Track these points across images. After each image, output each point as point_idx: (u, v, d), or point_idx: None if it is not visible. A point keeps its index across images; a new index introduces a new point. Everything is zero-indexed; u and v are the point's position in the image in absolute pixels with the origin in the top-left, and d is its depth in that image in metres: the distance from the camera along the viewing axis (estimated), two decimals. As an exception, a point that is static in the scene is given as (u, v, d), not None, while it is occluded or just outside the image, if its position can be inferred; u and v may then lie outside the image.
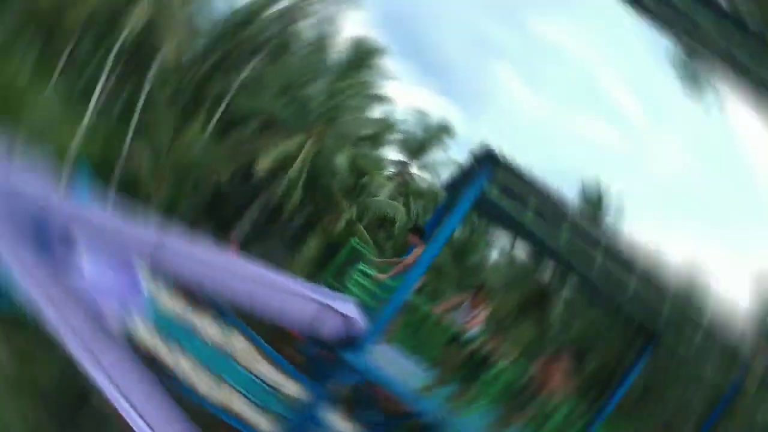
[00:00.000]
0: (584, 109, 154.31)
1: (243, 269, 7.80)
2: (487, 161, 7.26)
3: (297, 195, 34.01)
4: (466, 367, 7.77)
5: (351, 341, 7.47)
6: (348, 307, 7.67)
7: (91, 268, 8.25)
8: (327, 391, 7.84)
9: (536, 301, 29.88)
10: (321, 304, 7.52)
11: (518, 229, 9.84)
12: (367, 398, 9.28)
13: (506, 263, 35.52)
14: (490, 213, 10.00)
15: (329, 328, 7.55)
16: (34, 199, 7.43)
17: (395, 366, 7.86)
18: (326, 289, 8.69)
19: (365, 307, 8.40)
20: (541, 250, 11.29)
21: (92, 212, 8.16)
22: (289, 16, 37.34)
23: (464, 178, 8.68)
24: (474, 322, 7.81)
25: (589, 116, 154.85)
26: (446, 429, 7.35)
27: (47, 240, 7.65)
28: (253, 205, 36.39)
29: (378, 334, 7.28)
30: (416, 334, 7.97)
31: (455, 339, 7.57)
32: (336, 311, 7.49)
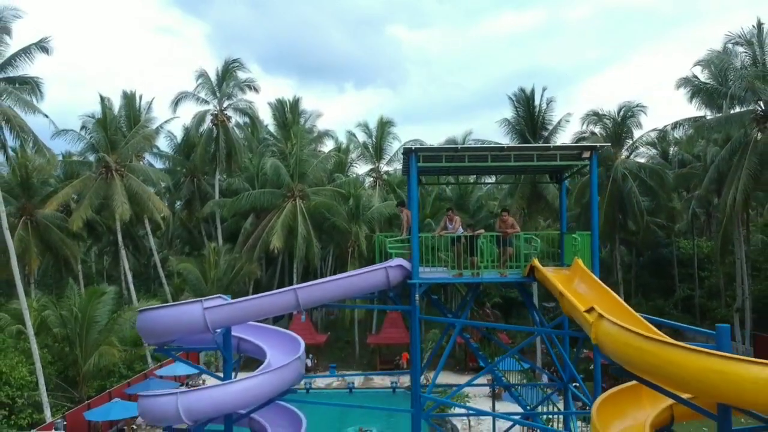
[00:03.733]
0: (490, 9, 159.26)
1: (322, 282, 14.42)
2: (411, 153, 13.84)
3: (313, 246, 40.68)
4: (467, 250, 14.32)
5: (408, 274, 14.04)
6: (397, 261, 14.27)
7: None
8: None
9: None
10: (381, 269, 14.13)
11: (449, 171, 16.59)
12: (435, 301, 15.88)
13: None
14: (429, 173, 16.76)
15: (395, 276, 14.14)
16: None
17: (435, 274, 14.39)
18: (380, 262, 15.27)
19: (406, 256, 14.97)
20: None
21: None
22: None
23: (407, 164, 15.25)
24: (456, 227, 14.38)
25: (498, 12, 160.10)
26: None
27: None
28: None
29: (416, 264, 13.80)
30: (435, 251, 14.50)
31: (453, 240, 14.11)
32: (392, 266, 14.10)
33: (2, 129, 28.21)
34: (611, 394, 11.31)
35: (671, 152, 48.53)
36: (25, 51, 28.88)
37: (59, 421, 25.18)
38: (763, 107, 29.97)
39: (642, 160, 48.18)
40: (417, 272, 13.75)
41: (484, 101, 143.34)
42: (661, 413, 10.90)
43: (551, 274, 12.96)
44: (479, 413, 17.28)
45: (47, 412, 27.11)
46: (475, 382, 16.95)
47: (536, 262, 13.37)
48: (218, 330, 13.99)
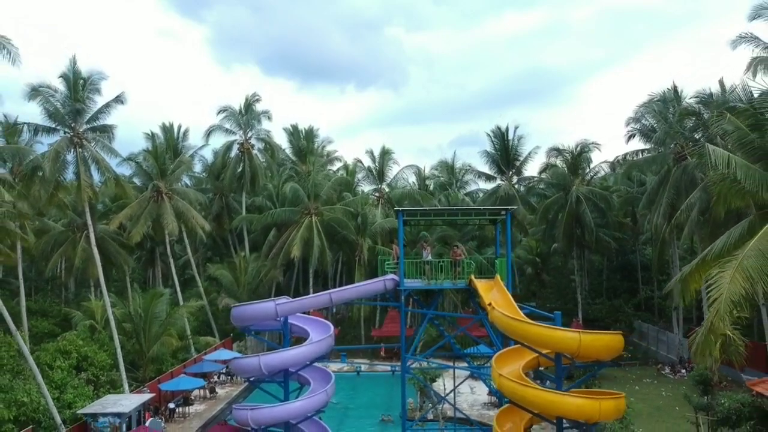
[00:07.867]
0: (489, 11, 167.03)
1: (345, 289, 24.57)
2: (399, 212, 23.93)
3: (326, 256, 50.73)
4: (437, 267, 24.36)
5: (398, 283, 24.15)
6: (390, 276, 24.42)
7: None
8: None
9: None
10: (381, 281, 24.30)
11: (424, 221, 26.72)
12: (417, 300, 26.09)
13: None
14: (411, 222, 26.86)
15: (389, 285, 24.26)
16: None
17: (415, 283, 24.47)
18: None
19: (397, 272, 25.15)
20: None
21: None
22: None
23: (396, 216, 25.33)
24: (427, 253, 24.46)
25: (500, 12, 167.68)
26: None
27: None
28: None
29: (403, 276, 23.86)
30: (416, 268, 24.61)
31: (426, 261, 24.20)
32: (388, 279, 24.24)
33: (90, 168, 38.23)
34: (506, 351, 21.28)
35: (633, 173, 58.41)
36: (107, 106, 38.79)
37: (144, 388, 35.29)
38: (679, 149, 39.90)
39: (611, 178, 58.25)
40: (403, 282, 23.84)
41: (485, 102, 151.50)
42: (530, 361, 20.87)
43: (479, 284, 23.03)
44: (442, 367, 27.25)
45: (125, 386, 37.18)
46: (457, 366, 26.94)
47: (472, 277, 23.43)
48: (280, 318, 24.09)
